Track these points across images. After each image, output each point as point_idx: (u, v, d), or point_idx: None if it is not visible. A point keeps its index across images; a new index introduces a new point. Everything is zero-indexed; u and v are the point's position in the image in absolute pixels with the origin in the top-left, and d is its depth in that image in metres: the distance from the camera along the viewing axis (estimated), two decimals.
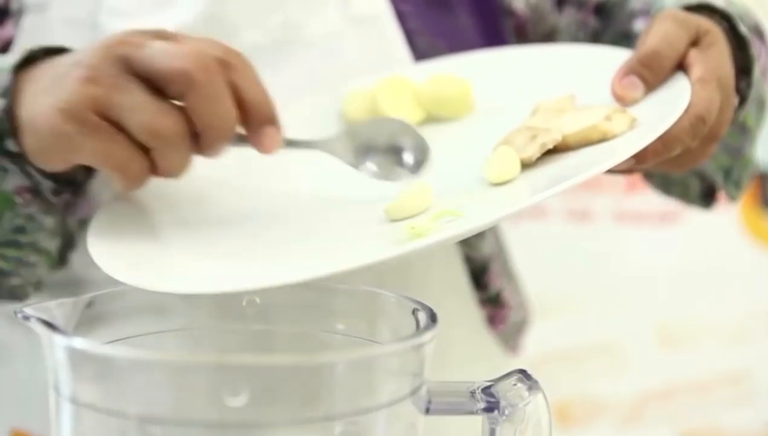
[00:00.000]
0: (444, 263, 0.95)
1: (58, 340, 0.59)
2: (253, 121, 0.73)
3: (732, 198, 0.97)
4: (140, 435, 0.58)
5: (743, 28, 0.86)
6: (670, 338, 1.90)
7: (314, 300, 0.68)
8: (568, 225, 1.82)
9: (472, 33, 0.96)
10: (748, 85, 0.86)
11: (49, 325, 0.61)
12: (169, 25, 0.88)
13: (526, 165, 0.74)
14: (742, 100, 0.86)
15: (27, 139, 0.74)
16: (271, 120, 0.73)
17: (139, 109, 0.70)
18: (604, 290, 1.81)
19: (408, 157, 0.79)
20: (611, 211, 1.85)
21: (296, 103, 0.88)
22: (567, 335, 1.79)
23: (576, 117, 0.76)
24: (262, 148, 0.74)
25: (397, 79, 0.87)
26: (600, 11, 1.00)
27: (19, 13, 0.90)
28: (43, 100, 0.72)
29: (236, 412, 0.57)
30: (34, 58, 0.76)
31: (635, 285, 1.84)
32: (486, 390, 0.63)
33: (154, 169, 0.72)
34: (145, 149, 0.71)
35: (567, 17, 1.00)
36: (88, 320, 0.65)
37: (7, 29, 0.90)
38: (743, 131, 0.92)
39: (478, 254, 0.97)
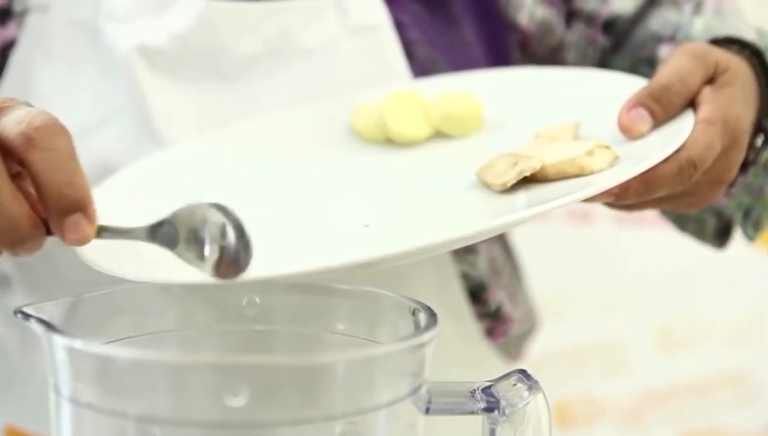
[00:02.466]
0: (437, 280, 0.94)
1: (58, 340, 0.59)
2: (55, 210, 0.62)
3: (749, 238, 0.94)
4: (140, 435, 0.58)
5: None
6: (670, 338, 1.90)
7: (314, 300, 0.68)
8: (569, 226, 1.82)
9: (475, 46, 0.95)
10: None
11: (48, 325, 0.61)
12: (164, 31, 0.88)
13: (503, 190, 0.74)
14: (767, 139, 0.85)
15: None
16: (75, 207, 0.62)
17: None
18: (605, 291, 1.81)
19: (207, 252, 0.64)
20: (612, 213, 1.85)
21: (299, 110, 0.88)
22: (567, 336, 1.79)
23: (561, 148, 0.76)
24: (65, 240, 0.63)
25: (405, 94, 0.86)
26: (609, 28, 0.98)
27: (23, 14, 0.90)
28: None
29: (236, 412, 0.57)
30: None
31: (636, 286, 1.84)
32: (486, 390, 0.63)
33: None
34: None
35: (576, 33, 0.98)
36: (88, 320, 0.65)
37: (10, 30, 0.90)
38: (767, 172, 0.89)
39: (476, 272, 0.96)
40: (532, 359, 1.06)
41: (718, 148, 0.77)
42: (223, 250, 0.62)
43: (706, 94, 0.78)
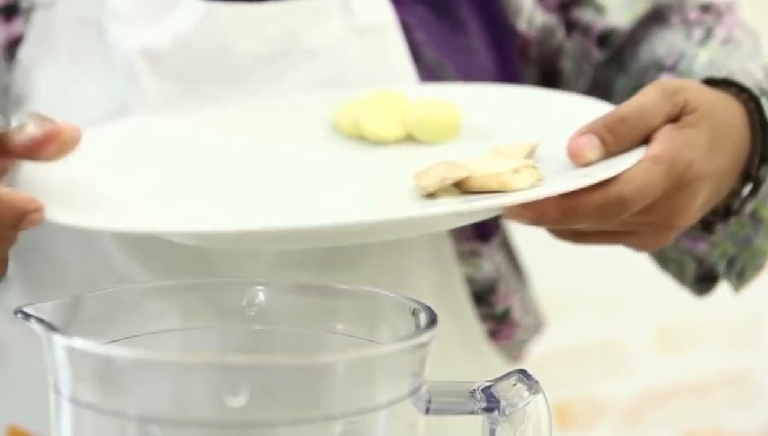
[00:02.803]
0: (439, 282, 0.94)
1: (58, 340, 0.59)
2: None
3: (734, 289, 0.91)
4: (140, 435, 0.58)
5: None
6: (670, 339, 1.90)
7: (314, 300, 0.68)
8: None
9: (482, 52, 0.94)
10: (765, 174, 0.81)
11: (48, 325, 0.61)
12: (167, 33, 0.88)
13: (426, 194, 0.75)
14: (756, 188, 0.82)
15: None
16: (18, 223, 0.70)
17: None
18: (605, 291, 1.81)
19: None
20: None
21: (290, 99, 0.88)
22: (568, 336, 1.79)
23: (495, 163, 0.75)
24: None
25: (389, 94, 0.86)
26: (604, 42, 0.96)
27: (29, 10, 0.90)
28: None
29: (236, 412, 0.57)
30: None
31: (636, 286, 1.83)
32: (486, 390, 0.63)
33: None
34: None
35: (574, 43, 0.96)
36: (88, 320, 0.65)
37: (17, 26, 0.90)
38: (755, 222, 0.86)
39: (480, 275, 0.95)
40: (532, 359, 1.06)
41: (658, 190, 0.73)
42: None
43: (663, 133, 0.75)
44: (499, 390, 0.63)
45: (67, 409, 0.60)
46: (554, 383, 0.84)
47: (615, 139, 0.74)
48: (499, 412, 0.63)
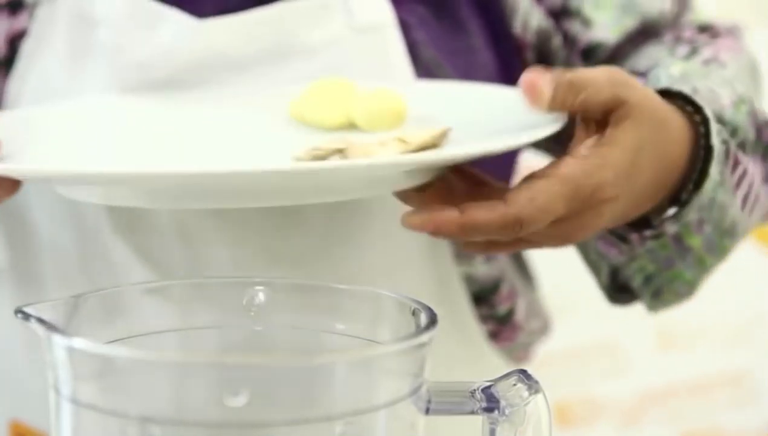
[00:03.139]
0: (437, 281, 0.94)
1: (58, 340, 0.59)
2: None
3: (648, 308, 0.88)
4: (140, 435, 0.58)
5: (715, 140, 0.76)
6: (670, 338, 1.90)
7: (314, 300, 0.68)
8: None
9: (483, 52, 0.94)
10: (688, 200, 0.78)
11: (48, 325, 0.61)
12: (156, 47, 0.88)
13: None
14: (680, 212, 0.78)
15: None
16: None
17: None
18: None
19: None
20: None
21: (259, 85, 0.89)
22: (567, 336, 1.79)
23: (375, 139, 0.77)
24: None
25: (338, 82, 0.86)
26: (589, 56, 0.94)
27: (34, 5, 0.90)
28: None
29: (236, 412, 0.57)
30: None
31: None
32: (486, 390, 0.63)
33: None
34: None
35: (564, 51, 0.95)
36: (88, 320, 0.65)
37: (21, 20, 0.90)
38: (680, 249, 0.81)
39: (479, 275, 0.95)
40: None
41: (559, 212, 0.70)
42: None
43: (580, 149, 0.71)
44: (499, 390, 0.63)
45: (66, 409, 0.60)
46: (554, 383, 0.84)
47: (556, 98, 0.71)
48: (499, 412, 0.63)
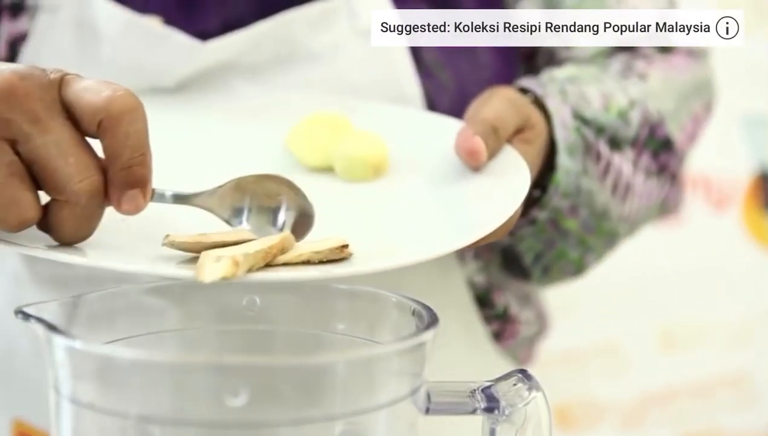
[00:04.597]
0: (442, 285, 0.94)
1: (58, 340, 0.59)
2: (116, 185, 0.66)
3: (538, 282, 0.96)
4: (140, 435, 0.58)
5: (559, 134, 0.84)
6: (671, 339, 1.90)
7: (314, 300, 0.68)
8: None
9: (485, 51, 0.94)
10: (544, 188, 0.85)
11: (48, 325, 0.61)
12: (158, 69, 0.88)
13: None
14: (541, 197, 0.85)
15: None
16: (137, 183, 0.66)
17: (61, 156, 0.64)
18: (605, 292, 1.81)
19: (281, 219, 0.73)
20: None
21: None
22: (568, 337, 1.79)
23: (237, 246, 0.67)
24: (120, 210, 0.66)
25: (333, 118, 0.85)
26: (562, 63, 0.96)
27: (35, 9, 0.90)
28: None
29: (236, 412, 0.57)
30: None
31: (636, 287, 1.83)
32: (486, 390, 0.63)
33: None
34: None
35: (539, 59, 0.97)
36: (88, 320, 0.65)
37: (22, 23, 0.90)
38: (557, 230, 0.89)
39: (481, 277, 0.95)
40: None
41: (511, 115, 0.79)
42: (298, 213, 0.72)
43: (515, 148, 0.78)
44: (499, 390, 0.63)
45: (67, 409, 0.60)
46: (555, 385, 0.85)
47: (490, 151, 0.77)
48: (499, 412, 0.63)
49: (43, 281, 0.92)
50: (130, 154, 0.64)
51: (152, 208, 0.69)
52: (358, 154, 0.81)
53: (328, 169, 0.83)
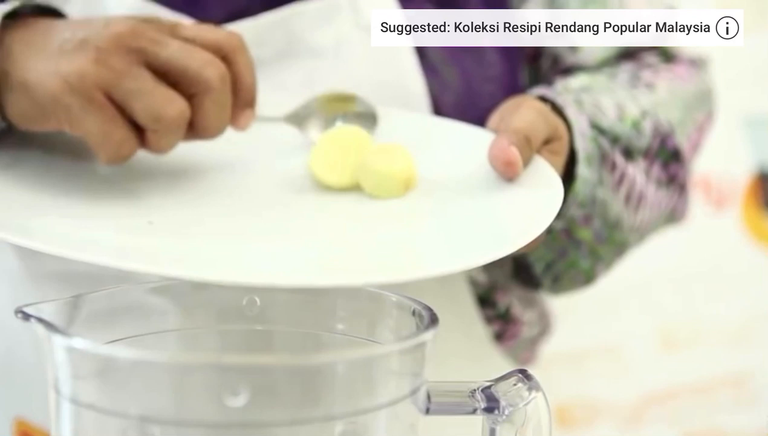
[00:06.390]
0: (443, 285, 0.93)
1: (58, 340, 0.60)
2: (239, 104, 0.79)
3: (548, 291, 0.95)
4: (140, 435, 0.58)
5: (579, 144, 0.83)
6: (671, 339, 1.90)
7: (314, 300, 0.68)
8: None
9: (491, 51, 0.94)
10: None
11: (48, 325, 0.61)
12: None
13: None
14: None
15: (13, 98, 0.76)
16: (251, 103, 0.79)
17: (148, 94, 0.74)
18: (606, 292, 1.81)
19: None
20: None
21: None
22: (568, 337, 1.79)
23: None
24: (238, 126, 0.79)
25: (351, 134, 0.82)
26: (568, 73, 0.96)
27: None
28: (43, 66, 0.74)
29: (236, 412, 0.57)
30: (17, 12, 0.78)
31: (637, 287, 1.83)
32: (486, 390, 0.63)
33: (141, 146, 0.76)
34: (138, 129, 0.75)
35: (542, 63, 0.98)
36: (88, 320, 0.65)
37: None
38: (570, 239, 0.89)
39: (482, 277, 0.95)
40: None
41: (542, 125, 0.79)
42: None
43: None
44: (499, 390, 0.63)
45: (67, 408, 0.60)
46: (555, 385, 0.85)
47: (525, 161, 0.77)
48: (499, 412, 0.63)
49: (42, 279, 0.92)
50: (251, 79, 0.78)
51: (152, 206, 0.77)
52: (388, 170, 0.79)
53: (352, 188, 0.80)
